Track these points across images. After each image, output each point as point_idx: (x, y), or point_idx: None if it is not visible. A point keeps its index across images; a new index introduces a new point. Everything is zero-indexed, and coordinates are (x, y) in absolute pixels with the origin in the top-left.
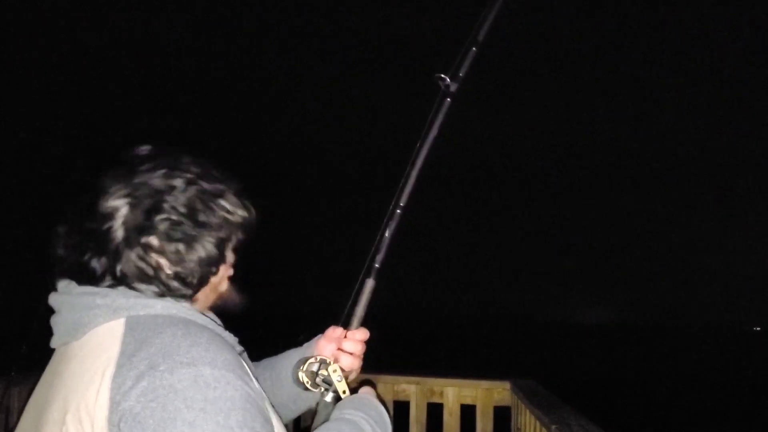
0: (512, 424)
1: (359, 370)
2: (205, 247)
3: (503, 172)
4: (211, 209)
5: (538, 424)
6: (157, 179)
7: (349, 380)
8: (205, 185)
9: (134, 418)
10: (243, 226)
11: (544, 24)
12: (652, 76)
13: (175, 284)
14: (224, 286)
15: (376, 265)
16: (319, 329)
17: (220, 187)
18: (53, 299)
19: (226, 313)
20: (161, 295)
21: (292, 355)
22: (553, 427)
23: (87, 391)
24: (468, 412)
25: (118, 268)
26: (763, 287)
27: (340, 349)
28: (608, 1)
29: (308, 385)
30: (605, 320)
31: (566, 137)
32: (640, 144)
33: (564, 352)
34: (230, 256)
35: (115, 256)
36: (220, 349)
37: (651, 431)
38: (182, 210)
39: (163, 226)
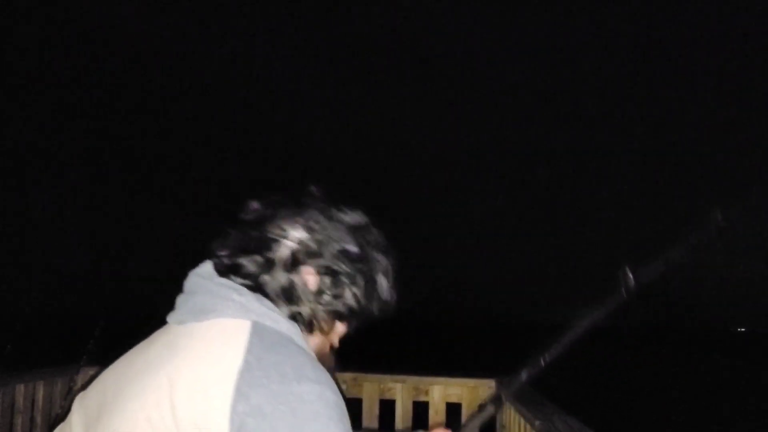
0: (497, 421)
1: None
2: (350, 299)
3: (496, 171)
4: (369, 266)
5: (522, 420)
6: (328, 221)
7: None
8: (368, 242)
9: (264, 417)
10: (386, 303)
11: None
12: (648, 74)
13: (307, 315)
14: (335, 340)
15: (502, 399)
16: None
17: (384, 264)
18: (190, 281)
19: None
20: (288, 317)
21: None
22: (537, 422)
23: (208, 373)
24: (454, 411)
25: (265, 277)
26: (748, 289)
27: None
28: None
29: None
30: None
31: (560, 138)
32: (633, 146)
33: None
34: (353, 322)
35: (269, 266)
36: (334, 383)
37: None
38: (352, 250)
39: (329, 261)
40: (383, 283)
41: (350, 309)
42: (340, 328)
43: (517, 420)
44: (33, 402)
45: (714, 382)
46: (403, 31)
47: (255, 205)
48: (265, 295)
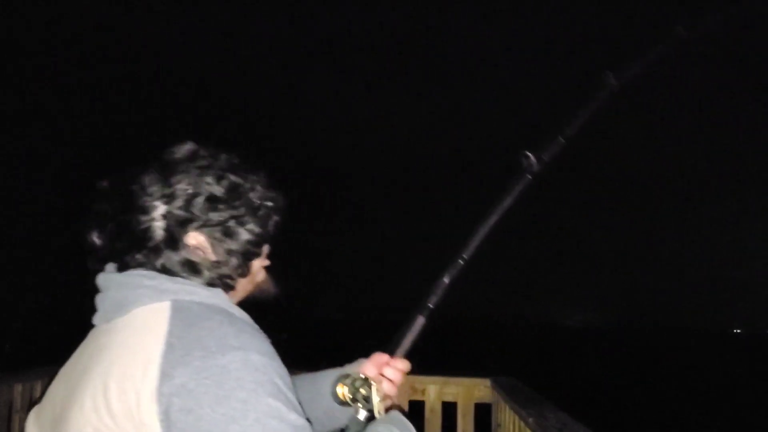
0: (492, 420)
1: (395, 399)
2: (243, 236)
3: (491, 171)
4: (246, 197)
5: (517, 419)
6: (193, 176)
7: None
8: (237, 177)
9: (189, 393)
10: (276, 211)
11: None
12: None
13: (216, 274)
14: (261, 275)
15: (430, 306)
16: (359, 350)
17: (252, 177)
18: (101, 278)
19: (260, 306)
20: (204, 284)
21: (333, 374)
22: (531, 420)
23: (134, 362)
24: (449, 409)
25: (159, 263)
26: (744, 291)
27: (382, 374)
28: None
29: (347, 399)
30: (588, 322)
31: (546, 119)
32: (628, 150)
33: (546, 352)
34: (266, 247)
35: (156, 252)
36: (263, 339)
37: (630, 430)
38: (219, 202)
39: (201, 219)
40: (266, 198)
41: (252, 243)
42: (256, 267)
43: (512, 417)
44: (31, 401)
45: (710, 383)
46: (400, 30)
47: (108, 189)
48: (171, 274)
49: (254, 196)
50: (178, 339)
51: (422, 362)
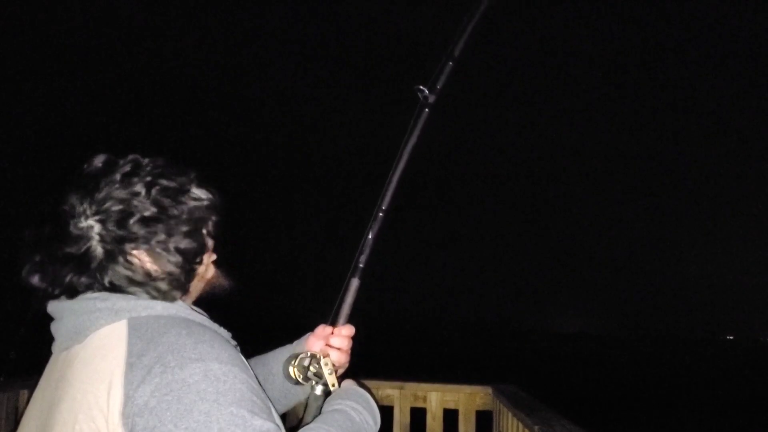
0: (494, 427)
1: (347, 364)
2: (184, 240)
3: (487, 181)
4: (179, 202)
5: (520, 426)
6: (119, 188)
7: (338, 375)
8: (167, 182)
9: (151, 412)
10: (213, 208)
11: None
12: (639, 82)
13: (166, 284)
14: (210, 272)
15: (361, 265)
16: (308, 328)
17: (181, 179)
18: (53, 306)
19: (216, 303)
20: (156, 297)
21: (282, 352)
22: (536, 428)
23: (98, 390)
24: (451, 417)
25: (107, 280)
26: (736, 297)
27: (329, 345)
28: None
29: (300, 379)
30: (584, 329)
31: (549, 148)
32: (622, 157)
33: (544, 359)
34: (210, 243)
35: (101, 271)
36: (223, 346)
37: None
38: (151, 211)
39: (138, 232)
40: (194, 195)
41: (192, 249)
42: (203, 268)
43: (516, 425)
44: None
45: (704, 388)
46: (397, 33)
47: (36, 217)
48: (122, 292)
49: (187, 200)
50: (138, 358)
51: (424, 370)
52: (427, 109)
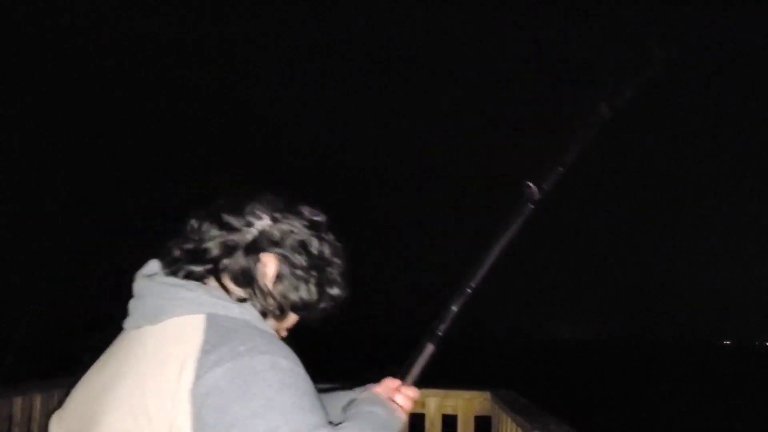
0: None
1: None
2: (304, 291)
3: (486, 185)
4: (330, 270)
5: (518, 429)
6: (299, 221)
7: None
8: (334, 256)
9: (220, 392)
10: (335, 300)
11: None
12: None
13: (262, 300)
14: (290, 324)
15: (439, 333)
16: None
17: (337, 264)
18: (138, 284)
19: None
20: (244, 300)
21: (343, 397)
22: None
23: (169, 370)
24: (449, 422)
25: (226, 261)
26: (733, 302)
27: (392, 400)
28: None
29: None
30: (580, 336)
31: (545, 151)
32: (618, 163)
33: (540, 366)
34: (310, 313)
35: (231, 250)
36: (290, 351)
37: None
38: (309, 253)
39: (289, 252)
40: (336, 282)
41: (303, 300)
42: (292, 317)
43: (514, 429)
44: (30, 414)
45: (701, 394)
46: (385, 35)
47: (221, 198)
48: (223, 279)
49: (331, 267)
50: (213, 347)
51: (422, 375)
52: (531, 205)
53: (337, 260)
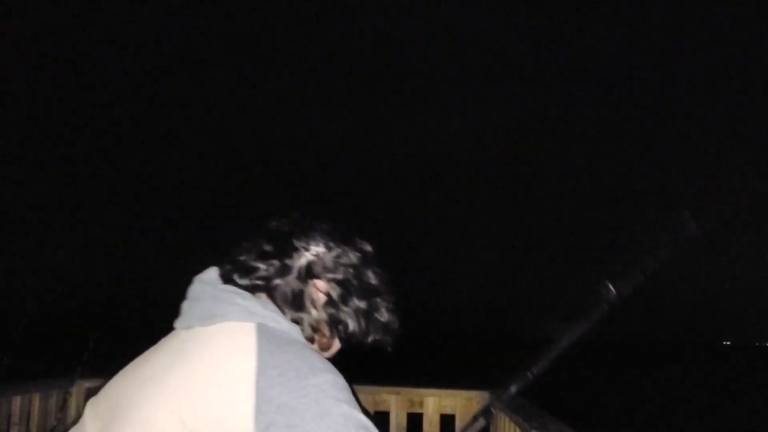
0: None
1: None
2: (352, 321)
3: (484, 182)
4: (379, 300)
5: (518, 430)
6: (358, 257)
7: None
8: (384, 290)
9: (291, 411)
10: (388, 330)
11: None
12: (633, 86)
13: (310, 324)
14: (333, 351)
15: (492, 411)
16: None
17: (387, 298)
18: (194, 288)
19: None
20: (294, 321)
21: None
22: (533, 431)
23: (223, 375)
24: (448, 422)
25: (278, 281)
26: (733, 303)
27: None
28: None
29: None
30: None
31: (553, 146)
32: (618, 163)
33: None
34: (348, 343)
35: (285, 271)
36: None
37: None
38: (360, 284)
39: (341, 279)
40: (383, 316)
41: (349, 330)
42: (336, 345)
43: (513, 429)
44: (29, 414)
45: (701, 394)
46: (385, 40)
47: (279, 219)
48: (273, 298)
49: (381, 300)
50: (270, 358)
51: (420, 375)
52: (607, 306)
53: (385, 292)
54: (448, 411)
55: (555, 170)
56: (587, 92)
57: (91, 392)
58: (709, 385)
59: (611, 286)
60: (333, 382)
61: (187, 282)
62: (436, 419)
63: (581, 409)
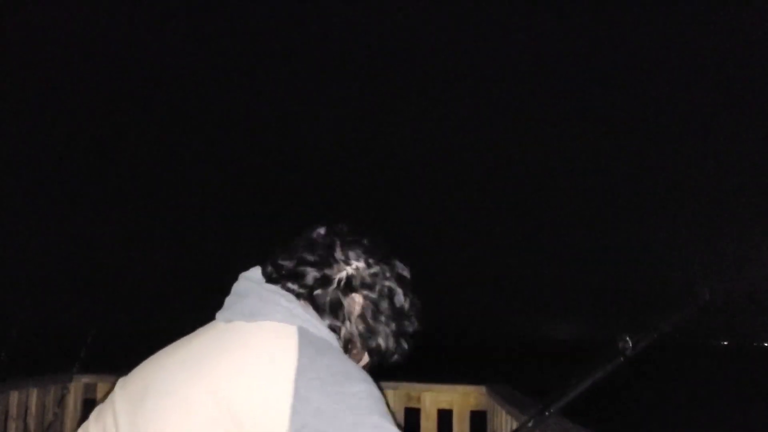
0: (488, 427)
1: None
2: (382, 337)
3: (482, 185)
4: (407, 320)
5: (514, 423)
6: (394, 275)
7: None
8: (413, 312)
9: (323, 416)
10: (405, 353)
11: None
12: (646, 100)
13: (345, 335)
14: (361, 364)
15: None
16: None
17: (413, 321)
18: (240, 284)
19: None
20: (332, 329)
21: None
22: (530, 423)
23: (265, 370)
24: (445, 417)
25: (319, 291)
26: (730, 303)
27: None
28: None
29: None
30: (578, 335)
31: (540, 150)
32: (617, 163)
33: (535, 365)
34: (376, 359)
35: (325, 281)
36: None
37: None
38: (393, 303)
39: (377, 297)
40: (408, 341)
41: (379, 345)
42: (366, 359)
43: (510, 423)
44: (26, 409)
45: (697, 394)
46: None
47: (324, 228)
48: (314, 305)
49: (409, 320)
50: (310, 361)
51: (417, 370)
52: (622, 358)
53: (414, 316)
54: (446, 406)
55: (560, 170)
56: (584, 90)
57: (89, 388)
58: (706, 385)
59: (629, 341)
60: (368, 392)
61: (184, 281)
62: (434, 414)
63: (580, 409)
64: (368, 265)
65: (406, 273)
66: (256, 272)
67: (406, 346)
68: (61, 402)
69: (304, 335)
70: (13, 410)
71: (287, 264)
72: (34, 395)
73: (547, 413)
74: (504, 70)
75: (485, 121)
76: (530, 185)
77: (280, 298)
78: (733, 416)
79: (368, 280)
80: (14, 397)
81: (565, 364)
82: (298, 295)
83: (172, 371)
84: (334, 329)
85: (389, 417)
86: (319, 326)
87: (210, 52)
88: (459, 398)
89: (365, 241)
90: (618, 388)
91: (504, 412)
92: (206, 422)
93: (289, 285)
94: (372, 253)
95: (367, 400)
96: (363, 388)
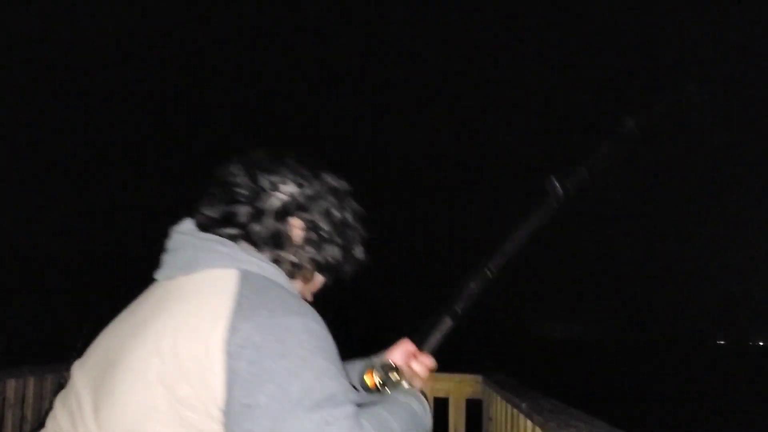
0: (484, 414)
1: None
2: (333, 254)
3: (488, 182)
4: (352, 231)
5: (509, 408)
6: (326, 187)
7: None
8: (351, 216)
9: (254, 346)
10: (358, 263)
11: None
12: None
13: (291, 262)
14: (311, 290)
15: (458, 311)
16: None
17: (359, 229)
18: (173, 239)
19: None
20: (275, 262)
21: (360, 364)
22: (524, 405)
23: (203, 316)
24: (441, 405)
25: (255, 225)
26: (726, 302)
27: (409, 366)
28: None
29: (378, 385)
30: (575, 334)
31: (550, 151)
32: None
33: (533, 365)
34: (335, 274)
35: (258, 215)
36: (319, 316)
37: None
38: (333, 219)
39: (315, 216)
40: (358, 250)
41: (328, 263)
42: (319, 279)
43: (504, 408)
44: (23, 397)
45: (696, 393)
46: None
47: (239, 161)
48: (253, 242)
49: (354, 231)
50: (247, 299)
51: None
52: (555, 204)
53: (358, 225)
54: (441, 394)
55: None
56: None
57: None
58: (703, 384)
59: (556, 182)
60: (303, 324)
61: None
62: (430, 402)
63: (579, 409)
64: (299, 186)
65: (338, 184)
66: (187, 224)
67: (358, 255)
68: (57, 391)
69: (245, 277)
70: (11, 398)
71: (216, 208)
72: (31, 383)
73: (488, 272)
74: (504, 70)
75: (497, 119)
76: (527, 179)
77: (215, 244)
78: (730, 416)
79: (302, 201)
80: (11, 385)
81: (566, 366)
82: (234, 237)
83: (123, 341)
84: (277, 260)
85: (323, 351)
86: (261, 265)
87: (207, 53)
88: (455, 387)
89: (288, 161)
90: (616, 387)
91: (500, 400)
92: (157, 384)
93: (223, 229)
94: (298, 173)
95: (301, 334)
96: (297, 320)
